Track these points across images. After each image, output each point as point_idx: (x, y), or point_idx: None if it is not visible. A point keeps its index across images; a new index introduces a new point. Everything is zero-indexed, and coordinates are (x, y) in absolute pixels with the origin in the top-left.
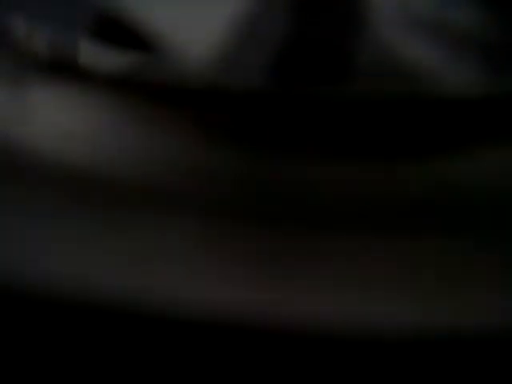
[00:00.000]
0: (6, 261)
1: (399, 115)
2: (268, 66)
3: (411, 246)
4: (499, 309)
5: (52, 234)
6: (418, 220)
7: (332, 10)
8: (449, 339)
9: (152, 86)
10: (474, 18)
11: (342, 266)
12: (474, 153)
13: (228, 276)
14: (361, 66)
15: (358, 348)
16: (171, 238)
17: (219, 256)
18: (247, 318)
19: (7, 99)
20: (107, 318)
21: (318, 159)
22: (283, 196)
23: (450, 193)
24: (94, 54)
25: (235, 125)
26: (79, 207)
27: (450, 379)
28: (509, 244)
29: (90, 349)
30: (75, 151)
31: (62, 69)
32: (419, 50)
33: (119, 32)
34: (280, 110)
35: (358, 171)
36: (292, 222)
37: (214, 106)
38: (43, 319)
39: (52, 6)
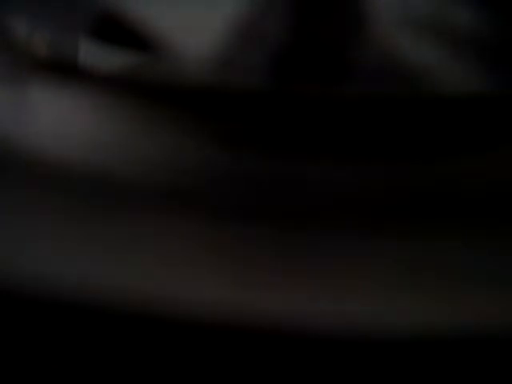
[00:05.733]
0: (6, 261)
1: (399, 115)
2: (268, 65)
3: (411, 245)
4: (499, 309)
5: (52, 233)
6: (419, 220)
7: (332, 9)
8: (448, 340)
9: (152, 86)
10: (472, 17)
11: (342, 266)
12: (473, 153)
13: (227, 276)
14: (361, 66)
15: (358, 349)
16: (171, 238)
17: (219, 256)
18: (247, 318)
19: (7, 99)
20: (106, 319)
21: (318, 159)
22: (283, 196)
23: (450, 193)
24: (93, 54)
25: (234, 124)
26: (79, 207)
27: (449, 380)
28: (509, 244)
29: (89, 350)
30: (75, 151)
31: (62, 69)
32: (419, 50)
33: (119, 32)
34: (279, 110)
35: (357, 171)
36: (292, 221)
37: (213, 106)
38: (42, 320)
39: (52, 6)
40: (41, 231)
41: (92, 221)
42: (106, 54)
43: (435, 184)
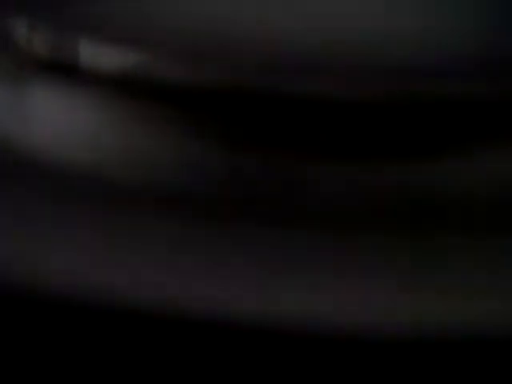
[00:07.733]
0: (6, 261)
1: (400, 115)
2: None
3: (411, 245)
4: (499, 309)
5: (51, 233)
6: (418, 219)
7: None
8: (448, 340)
9: (152, 86)
10: None
11: (341, 266)
12: (473, 153)
13: (226, 276)
14: None
15: (356, 348)
16: (171, 238)
17: (219, 256)
18: (239, 317)
19: (7, 99)
20: (106, 319)
21: (318, 159)
22: (283, 196)
23: (450, 192)
24: (93, 54)
25: (235, 125)
26: (79, 207)
27: (448, 380)
28: (509, 243)
29: (90, 349)
30: (75, 151)
31: (62, 69)
32: None
33: None
34: (279, 110)
35: (357, 171)
36: (292, 221)
37: (213, 107)
38: (42, 320)
39: (52, 5)
40: (40, 231)
41: (92, 221)
42: (106, 54)
43: (435, 183)
